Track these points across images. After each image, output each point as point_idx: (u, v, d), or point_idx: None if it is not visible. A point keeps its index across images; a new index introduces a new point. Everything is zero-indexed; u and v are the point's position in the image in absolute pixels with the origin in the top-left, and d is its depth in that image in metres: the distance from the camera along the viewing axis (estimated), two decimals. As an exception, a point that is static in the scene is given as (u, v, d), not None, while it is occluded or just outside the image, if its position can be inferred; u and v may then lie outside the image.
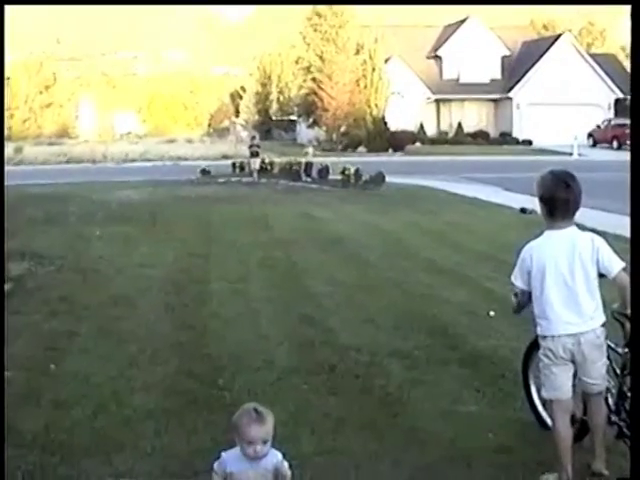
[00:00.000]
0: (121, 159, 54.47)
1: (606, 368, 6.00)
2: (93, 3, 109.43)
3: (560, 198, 5.77)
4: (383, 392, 7.82)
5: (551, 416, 6.10)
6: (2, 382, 6.21)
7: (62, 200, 25.88)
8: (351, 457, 6.22)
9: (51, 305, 11.30)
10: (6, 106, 79.12)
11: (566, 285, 5.73)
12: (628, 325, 5.83)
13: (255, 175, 35.33)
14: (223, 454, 5.07)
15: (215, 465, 5.06)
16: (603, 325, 5.86)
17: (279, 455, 5.00)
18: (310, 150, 36.98)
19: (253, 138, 39.50)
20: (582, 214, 5.90)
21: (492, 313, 10.79)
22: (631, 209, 5.76)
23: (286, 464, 4.94)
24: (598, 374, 5.87)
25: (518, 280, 6.02)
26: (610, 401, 6.08)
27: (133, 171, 42.55)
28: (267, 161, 37.46)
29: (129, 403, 7.45)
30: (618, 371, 6.04)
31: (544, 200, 5.88)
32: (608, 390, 6.08)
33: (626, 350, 5.92)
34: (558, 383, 5.84)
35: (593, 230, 6.04)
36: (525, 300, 6.08)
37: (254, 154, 36.34)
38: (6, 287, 11.57)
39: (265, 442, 4.90)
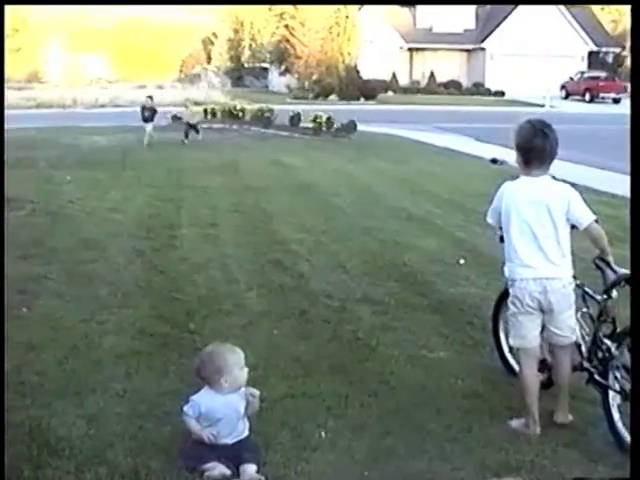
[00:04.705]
0: (91, 104, 53.84)
1: (580, 317, 6.06)
2: (92, 3, 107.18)
3: (537, 147, 5.79)
4: (353, 337, 7.87)
5: (518, 363, 6.17)
6: (2, 379, 6.19)
7: (32, 145, 25.63)
8: (321, 400, 6.26)
9: (22, 249, 11.23)
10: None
11: (531, 231, 5.75)
12: (608, 271, 5.90)
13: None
14: (193, 397, 5.16)
15: (186, 409, 5.14)
16: (573, 277, 5.89)
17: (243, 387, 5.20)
18: (193, 109, 31.82)
19: (150, 98, 29.21)
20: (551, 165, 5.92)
21: (462, 261, 10.86)
22: (631, 210, 5.83)
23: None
24: (565, 325, 5.88)
25: (490, 217, 6.11)
26: (583, 348, 6.12)
27: (103, 116, 42.18)
28: (239, 107, 37.16)
29: (100, 346, 7.45)
30: (595, 318, 6.07)
31: (521, 149, 5.89)
32: (582, 337, 6.12)
33: (605, 297, 5.97)
34: (524, 332, 5.89)
35: (563, 181, 6.04)
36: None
37: (147, 119, 28.02)
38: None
39: (242, 368, 5.13)
